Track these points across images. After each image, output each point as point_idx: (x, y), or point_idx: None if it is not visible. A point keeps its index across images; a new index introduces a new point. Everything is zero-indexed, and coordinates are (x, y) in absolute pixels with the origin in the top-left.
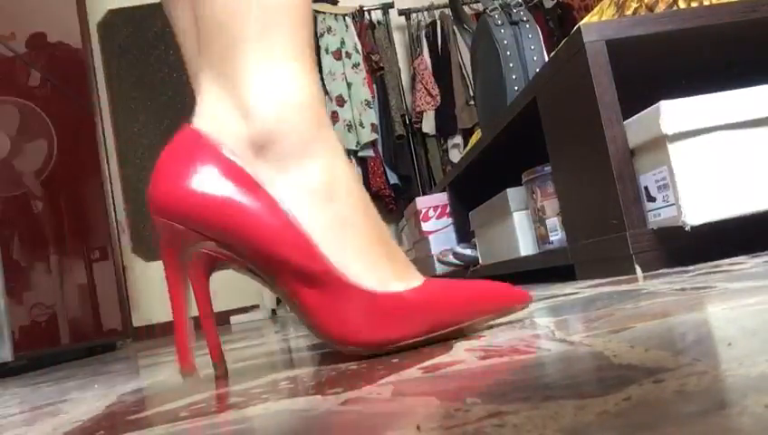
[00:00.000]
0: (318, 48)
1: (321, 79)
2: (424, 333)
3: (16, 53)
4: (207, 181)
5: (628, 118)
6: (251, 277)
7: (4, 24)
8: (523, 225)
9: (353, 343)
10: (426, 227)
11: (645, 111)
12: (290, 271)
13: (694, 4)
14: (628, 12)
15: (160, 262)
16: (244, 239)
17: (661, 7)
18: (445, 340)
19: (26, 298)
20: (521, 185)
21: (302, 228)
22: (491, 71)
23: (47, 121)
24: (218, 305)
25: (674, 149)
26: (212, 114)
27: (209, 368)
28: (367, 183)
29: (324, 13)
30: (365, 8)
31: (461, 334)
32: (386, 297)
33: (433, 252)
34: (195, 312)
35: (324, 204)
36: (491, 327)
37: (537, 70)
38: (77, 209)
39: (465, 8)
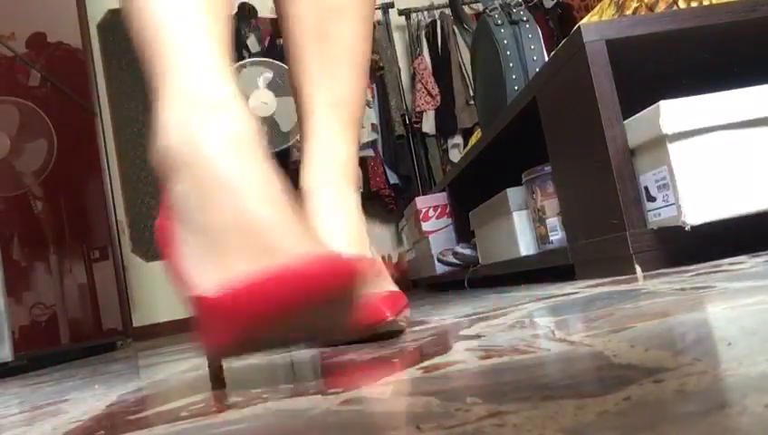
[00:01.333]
0: None
1: None
2: (229, 340)
3: (16, 53)
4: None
5: (628, 118)
6: None
7: (4, 24)
8: (523, 225)
9: (207, 346)
10: (426, 226)
11: (645, 110)
12: None
13: (694, 4)
14: (628, 12)
15: (160, 262)
16: None
17: (661, 7)
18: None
19: (26, 298)
20: (521, 185)
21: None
22: (491, 71)
23: (47, 121)
24: None
25: (674, 148)
26: None
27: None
28: (367, 183)
29: None
30: None
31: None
32: (211, 301)
33: (433, 252)
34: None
35: (176, 217)
36: (490, 328)
37: (537, 70)
38: (77, 209)
39: (465, 8)
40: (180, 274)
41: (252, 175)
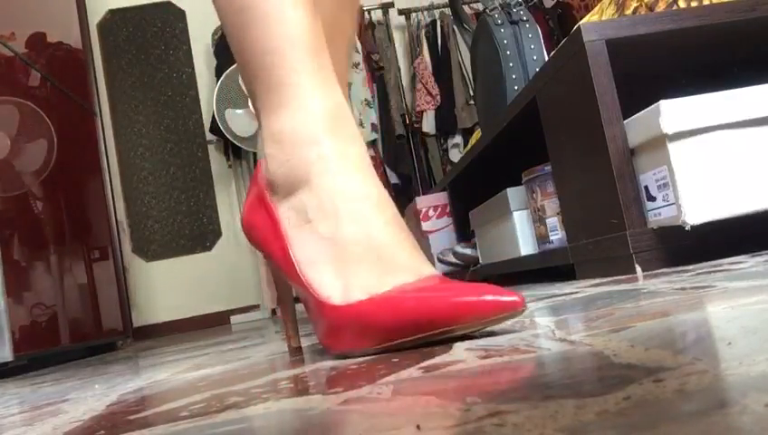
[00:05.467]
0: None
1: None
2: (372, 345)
3: (16, 53)
4: (250, 209)
5: (628, 118)
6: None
7: (4, 24)
8: (523, 224)
9: (326, 349)
10: (426, 226)
11: (645, 110)
12: (291, 283)
13: (694, 4)
14: (628, 11)
15: (160, 262)
16: (269, 257)
17: (661, 7)
18: (410, 347)
19: (26, 298)
20: (521, 185)
21: (289, 246)
22: (491, 70)
23: (47, 121)
24: (218, 305)
25: (674, 148)
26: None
27: (208, 366)
28: None
29: None
30: (365, 8)
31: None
32: (334, 309)
33: (433, 251)
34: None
35: (306, 223)
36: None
37: (537, 69)
38: (77, 209)
39: (465, 8)
40: (304, 275)
41: (376, 194)
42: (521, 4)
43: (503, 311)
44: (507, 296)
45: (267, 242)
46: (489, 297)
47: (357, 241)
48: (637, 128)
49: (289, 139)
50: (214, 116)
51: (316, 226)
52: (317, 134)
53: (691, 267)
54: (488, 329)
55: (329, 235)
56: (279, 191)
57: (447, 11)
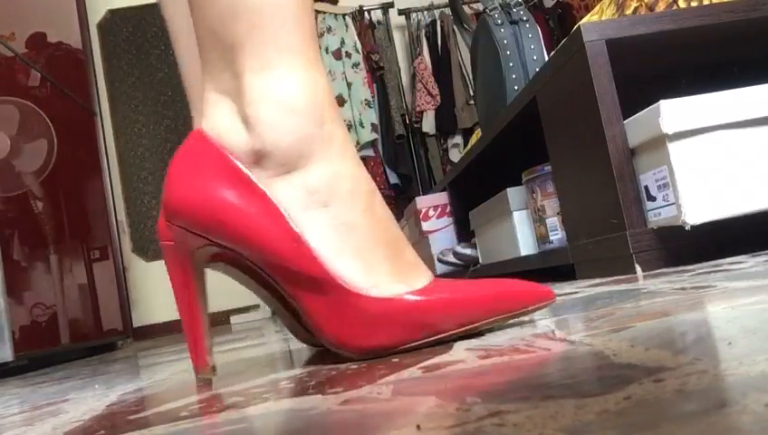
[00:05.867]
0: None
1: None
2: (419, 338)
3: (16, 53)
4: (211, 187)
5: (628, 118)
6: (246, 286)
7: (4, 24)
8: (523, 224)
9: (350, 349)
10: (426, 226)
11: (645, 110)
12: (289, 275)
13: (694, 4)
14: (628, 11)
15: (160, 262)
16: (246, 244)
17: (661, 6)
18: (447, 341)
19: (26, 298)
20: (521, 185)
21: (300, 232)
22: (491, 70)
23: (47, 121)
24: (218, 305)
25: (674, 148)
26: (215, 121)
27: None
28: None
29: (324, 12)
30: (365, 8)
31: (468, 335)
32: (380, 302)
33: (433, 252)
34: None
35: (322, 206)
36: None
37: (537, 69)
38: (77, 209)
39: (465, 8)
40: (328, 266)
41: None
42: (521, 4)
43: (539, 300)
44: (540, 288)
45: (251, 229)
46: (526, 288)
47: (380, 231)
48: (637, 128)
49: (302, 107)
50: None
51: (336, 211)
52: (325, 109)
53: (691, 267)
54: (488, 329)
55: (350, 221)
56: (271, 166)
57: (447, 11)
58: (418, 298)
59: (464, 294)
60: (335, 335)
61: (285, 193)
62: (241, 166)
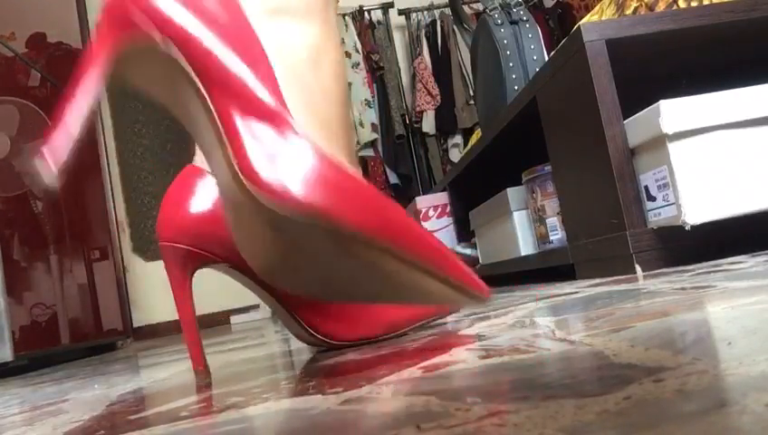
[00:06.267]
0: None
1: None
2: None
3: (16, 53)
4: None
5: (628, 118)
6: (241, 283)
7: (4, 24)
8: (523, 224)
9: (282, 200)
10: (426, 226)
11: (645, 110)
12: (228, 87)
13: (694, 4)
14: (629, 11)
15: (160, 262)
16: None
17: (661, 6)
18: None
19: (26, 298)
20: (521, 185)
21: (274, 70)
22: (491, 70)
23: (47, 121)
24: (218, 305)
25: (674, 148)
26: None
27: (219, 367)
28: None
29: None
30: (365, 8)
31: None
32: (334, 164)
33: None
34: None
35: (308, 65)
36: (490, 328)
37: (537, 69)
38: (77, 209)
39: (465, 8)
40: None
41: None
42: (521, 4)
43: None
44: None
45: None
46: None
47: (344, 116)
48: (637, 128)
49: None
50: None
51: (318, 76)
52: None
53: (691, 267)
54: (488, 329)
55: (329, 91)
56: (276, 18)
57: (447, 11)
58: (371, 187)
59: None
60: (271, 178)
61: (275, 38)
62: None
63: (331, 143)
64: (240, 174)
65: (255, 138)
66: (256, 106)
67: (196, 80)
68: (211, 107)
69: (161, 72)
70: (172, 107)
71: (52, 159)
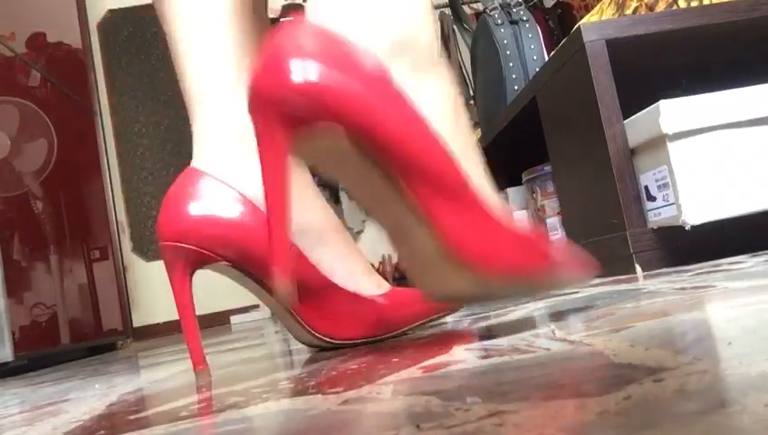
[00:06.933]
0: None
1: None
2: (542, 268)
3: (16, 53)
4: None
5: (628, 118)
6: (241, 283)
7: (4, 24)
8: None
9: (488, 269)
10: None
11: (645, 110)
12: (427, 180)
13: (694, 4)
14: (629, 11)
15: (160, 262)
16: (393, 145)
17: (661, 6)
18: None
19: (26, 298)
20: (521, 185)
21: (442, 139)
22: (491, 70)
23: (47, 121)
24: (218, 305)
25: (674, 148)
26: (347, 14)
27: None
28: None
29: None
30: None
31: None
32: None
33: None
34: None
35: (458, 118)
36: (490, 328)
37: (537, 69)
38: (77, 209)
39: (465, 8)
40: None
41: None
42: (521, 4)
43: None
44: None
45: (399, 131)
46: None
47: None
48: (637, 128)
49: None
50: None
51: (464, 125)
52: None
53: (691, 267)
54: (488, 329)
55: (472, 143)
56: (410, 63)
57: (447, 11)
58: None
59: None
60: (480, 250)
61: (423, 95)
62: (376, 61)
63: (488, 182)
64: (448, 251)
65: (457, 218)
66: (451, 187)
67: (387, 168)
68: (408, 191)
69: (340, 157)
70: (352, 187)
71: (281, 276)
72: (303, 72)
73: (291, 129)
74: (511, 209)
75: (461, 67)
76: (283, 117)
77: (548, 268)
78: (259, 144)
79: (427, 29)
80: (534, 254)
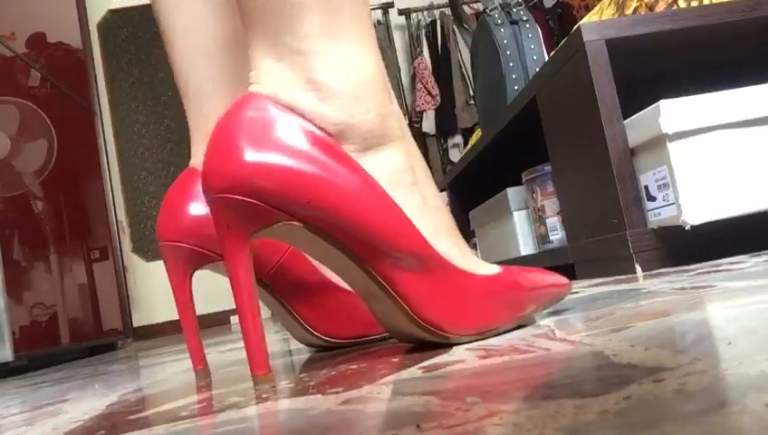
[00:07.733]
0: None
1: None
2: (511, 319)
3: (16, 53)
4: (300, 157)
5: (628, 118)
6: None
7: (4, 24)
8: (523, 224)
9: (454, 330)
10: None
11: (645, 110)
12: (386, 252)
13: (694, 4)
14: (629, 11)
15: (160, 262)
16: (340, 216)
17: (661, 6)
18: (522, 326)
19: (26, 298)
20: (521, 185)
21: (403, 211)
22: (491, 70)
23: (47, 121)
24: (218, 305)
25: (674, 148)
26: (280, 88)
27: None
28: None
29: None
30: None
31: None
32: (488, 281)
33: None
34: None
35: (411, 186)
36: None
37: (537, 69)
38: (77, 209)
39: (465, 8)
40: (431, 244)
41: None
42: (521, 4)
43: (567, 289)
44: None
45: (350, 201)
46: (562, 279)
47: (447, 213)
48: (637, 128)
49: (378, 81)
50: None
51: (424, 191)
52: (389, 85)
53: (691, 267)
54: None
55: (436, 203)
56: (356, 141)
57: (447, 11)
58: (508, 279)
59: (528, 280)
60: (437, 317)
61: (372, 169)
62: (328, 138)
63: (458, 241)
64: (414, 318)
65: (419, 287)
66: (412, 253)
67: (346, 250)
68: (368, 268)
69: (299, 239)
70: (321, 260)
71: (260, 368)
72: (256, 178)
73: (247, 235)
74: (476, 257)
75: (461, 67)
76: (241, 223)
77: (514, 318)
78: (220, 240)
79: (367, 105)
80: (503, 303)
